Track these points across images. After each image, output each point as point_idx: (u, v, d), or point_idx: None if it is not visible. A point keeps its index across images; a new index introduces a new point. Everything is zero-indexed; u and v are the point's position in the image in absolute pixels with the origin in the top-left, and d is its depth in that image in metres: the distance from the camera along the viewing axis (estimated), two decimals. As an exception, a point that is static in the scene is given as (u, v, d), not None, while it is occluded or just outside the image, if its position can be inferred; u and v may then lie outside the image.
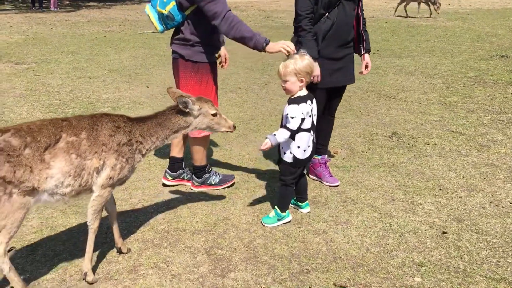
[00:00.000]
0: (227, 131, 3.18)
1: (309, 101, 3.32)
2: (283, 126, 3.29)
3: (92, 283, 2.78)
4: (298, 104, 3.26)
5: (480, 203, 3.77)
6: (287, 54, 3.36)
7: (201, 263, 3.03)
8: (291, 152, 3.36)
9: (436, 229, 3.40)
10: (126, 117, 2.91)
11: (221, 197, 3.93)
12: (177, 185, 4.15)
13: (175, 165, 4.10)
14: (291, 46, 3.38)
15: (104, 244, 3.23)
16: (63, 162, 2.53)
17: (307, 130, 3.33)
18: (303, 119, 3.26)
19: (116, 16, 18.70)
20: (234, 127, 3.19)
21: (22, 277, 2.73)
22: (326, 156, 4.23)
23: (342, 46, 3.80)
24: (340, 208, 3.73)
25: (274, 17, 17.92)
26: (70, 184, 2.59)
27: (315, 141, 3.48)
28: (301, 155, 3.36)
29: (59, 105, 6.51)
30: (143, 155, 2.94)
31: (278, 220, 3.48)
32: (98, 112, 2.90)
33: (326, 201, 3.83)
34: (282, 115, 3.40)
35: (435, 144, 5.04)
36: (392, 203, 3.79)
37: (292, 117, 3.23)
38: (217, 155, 4.86)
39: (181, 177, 4.15)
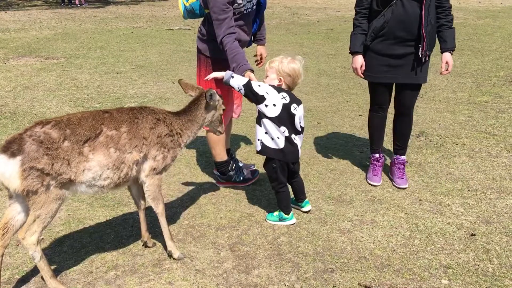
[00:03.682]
0: (219, 133, 3.35)
1: (283, 93, 3.24)
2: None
3: (179, 259, 2.98)
4: (268, 85, 3.25)
5: (510, 206, 3.67)
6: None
7: (225, 259, 3.04)
8: (259, 139, 3.37)
9: (465, 231, 3.33)
10: (164, 110, 2.99)
11: (245, 194, 3.93)
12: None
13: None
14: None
15: (130, 237, 3.27)
16: (102, 156, 2.57)
17: (272, 120, 3.24)
18: (264, 98, 3.17)
19: (144, 12, 18.90)
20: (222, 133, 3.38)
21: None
22: (403, 157, 4.13)
23: (400, 44, 3.71)
24: (365, 207, 3.68)
25: (300, 14, 17.82)
26: (108, 177, 2.63)
27: (298, 144, 3.38)
28: (269, 143, 3.31)
29: (87, 99, 6.62)
30: (181, 148, 3.04)
31: (280, 220, 3.46)
32: (139, 106, 2.95)
33: (351, 200, 3.79)
34: None
35: (464, 145, 4.93)
36: (419, 204, 3.72)
37: (258, 85, 3.19)
38: (242, 151, 4.87)
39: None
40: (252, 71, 3.36)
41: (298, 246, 3.17)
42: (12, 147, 2.35)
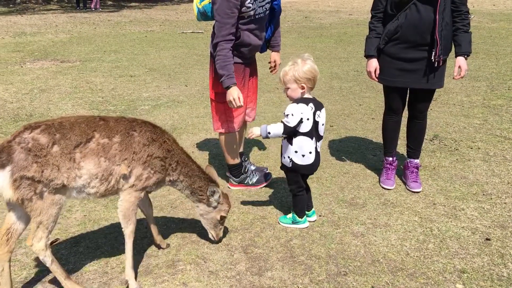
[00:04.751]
0: (212, 238, 3.17)
1: (311, 104, 3.20)
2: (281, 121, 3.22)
3: None
4: (298, 104, 3.21)
5: (526, 210, 3.63)
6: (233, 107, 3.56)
7: (238, 260, 3.05)
8: (289, 157, 3.30)
9: (479, 236, 3.30)
10: (173, 139, 2.91)
11: (258, 196, 3.95)
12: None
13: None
14: (236, 102, 3.50)
15: (144, 238, 3.31)
16: (92, 164, 2.51)
17: (306, 134, 3.21)
18: (301, 120, 3.16)
19: (157, 16, 19.07)
20: (220, 240, 3.22)
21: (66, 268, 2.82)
22: (417, 160, 4.11)
23: (413, 48, 3.69)
24: (378, 210, 3.67)
25: (313, 18, 17.82)
26: (95, 186, 2.57)
27: (319, 150, 3.36)
28: (300, 160, 3.27)
29: (102, 102, 6.70)
30: (171, 183, 2.93)
31: (293, 223, 3.45)
32: (142, 119, 2.86)
33: (364, 203, 3.78)
34: None
35: (479, 148, 4.89)
36: (433, 208, 3.70)
37: (287, 115, 3.17)
38: (254, 154, 4.89)
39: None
40: (235, 84, 3.51)
41: (311, 249, 3.18)
42: (2, 157, 2.33)
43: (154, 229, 3.15)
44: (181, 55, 10.34)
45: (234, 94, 3.50)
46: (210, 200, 3.01)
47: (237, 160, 4.03)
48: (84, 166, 2.49)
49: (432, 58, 3.63)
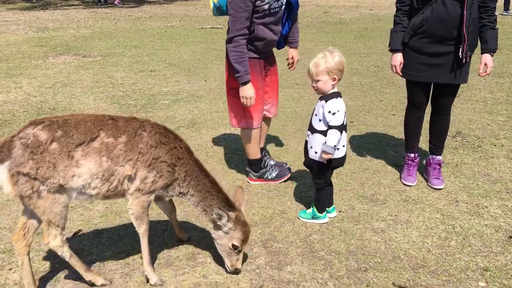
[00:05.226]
0: (228, 268, 2.82)
1: (339, 98, 3.20)
2: (328, 127, 3.15)
3: (156, 286, 2.73)
4: (337, 98, 3.17)
5: (552, 209, 3.56)
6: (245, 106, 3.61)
7: (258, 254, 3.06)
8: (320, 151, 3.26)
9: (503, 233, 3.25)
10: (186, 147, 2.75)
11: (277, 191, 3.95)
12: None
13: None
14: (248, 102, 3.57)
15: (165, 231, 3.34)
16: (93, 163, 2.44)
17: (342, 127, 3.20)
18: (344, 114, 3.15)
19: (177, 11, 19.15)
20: (235, 272, 2.83)
21: (87, 258, 2.87)
22: (439, 157, 4.04)
23: (438, 43, 3.63)
24: (399, 207, 3.64)
25: (332, 13, 17.68)
26: (96, 187, 2.50)
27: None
28: (335, 154, 3.23)
29: (123, 96, 6.76)
30: (179, 194, 2.76)
31: (313, 218, 3.44)
32: (157, 122, 2.76)
33: (385, 200, 3.75)
34: (312, 115, 3.31)
35: (502, 146, 4.80)
36: (456, 205, 3.65)
37: (334, 113, 3.12)
38: (274, 149, 4.88)
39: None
40: (250, 81, 3.52)
41: (331, 244, 3.17)
42: (3, 152, 2.34)
43: (175, 224, 3.16)
44: (200, 50, 10.37)
45: (249, 92, 3.53)
46: (218, 224, 2.73)
47: (258, 155, 4.03)
48: (84, 164, 2.42)
49: (460, 54, 3.57)
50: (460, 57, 3.57)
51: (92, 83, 7.46)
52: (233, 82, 3.68)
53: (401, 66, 3.81)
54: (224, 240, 2.75)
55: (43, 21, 15.41)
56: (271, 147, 4.92)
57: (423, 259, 2.98)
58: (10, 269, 2.86)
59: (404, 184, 4.00)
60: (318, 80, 3.17)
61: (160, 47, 10.77)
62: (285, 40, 4.03)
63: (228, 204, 2.76)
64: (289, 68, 4.20)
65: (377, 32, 12.62)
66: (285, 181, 4.11)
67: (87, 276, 2.67)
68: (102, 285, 2.71)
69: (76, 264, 2.63)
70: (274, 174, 4.09)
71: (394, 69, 3.86)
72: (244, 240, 2.75)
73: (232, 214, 2.70)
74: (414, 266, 2.92)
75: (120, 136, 2.52)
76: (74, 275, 2.82)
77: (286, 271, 2.89)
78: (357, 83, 7.53)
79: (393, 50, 3.84)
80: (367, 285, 2.75)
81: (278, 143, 5.05)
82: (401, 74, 3.85)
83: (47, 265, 2.94)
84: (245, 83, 3.52)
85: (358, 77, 7.91)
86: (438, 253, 3.05)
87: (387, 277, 2.82)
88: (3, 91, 6.85)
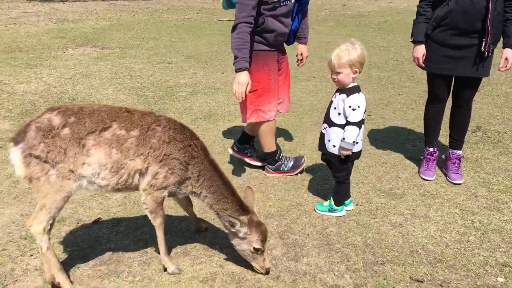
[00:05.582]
0: (257, 270, 2.76)
1: (361, 93, 3.18)
2: (346, 122, 3.14)
3: (173, 274, 2.75)
4: (359, 93, 3.15)
5: None
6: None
7: (274, 246, 3.07)
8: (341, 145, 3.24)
9: (523, 230, 3.20)
10: (202, 146, 2.71)
11: (294, 183, 3.95)
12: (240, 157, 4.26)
13: (243, 139, 4.22)
14: (239, 88, 3.39)
15: (182, 221, 3.36)
16: (103, 154, 2.44)
17: (362, 123, 3.18)
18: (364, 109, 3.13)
19: (194, 4, 19.16)
20: (267, 272, 2.75)
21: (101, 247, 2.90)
22: (459, 151, 4.00)
23: (462, 35, 3.57)
24: (418, 201, 3.61)
25: (351, 6, 17.50)
26: (106, 178, 2.48)
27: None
28: (354, 148, 3.21)
29: (141, 88, 6.81)
30: (192, 192, 2.73)
31: (329, 211, 3.43)
32: (174, 119, 2.71)
33: (403, 194, 3.72)
34: (329, 108, 3.28)
35: (524, 141, 4.72)
36: (475, 200, 3.61)
37: (354, 109, 3.10)
38: (290, 142, 4.87)
39: (244, 151, 4.23)
40: (248, 70, 3.41)
41: (348, 237, 3.16)
42: (19, 135, 2.40)
43: (192, 217, 3.16)
44: (217, 43, 10.37)
45: (242, 78, 3.40)
46: (233, 230, 2.67)
47: (273, 148, 4.03)
48: (93, 154, 2.43)
49: (482, 48, 3.51)
50: (483, 50, 3.51)
51: (110, 75, 7.53)
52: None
53: (424, 58, 3.75)
54: (244, 245, 2.69)
55: (63, 12, 15.56)
56: (288, 141, 4.92)
57: (441, 254, 2.96)
58: (31, 255, 2.92)
59: (422, 178, 3.96)
60: (339, 73, 3.14)
61: (177, 39, 10.80)
62: (295, 36, 3.99)
63: (242, 208, 2.70)
64: (298, 64, 4.18)
65: (396, 26, 12.46)
66: (301, 173, 4.10)
67: (58, 276, 2.57)
68: None
69: (52, 259, 2.54)
70: (290, 165, 4.08)
71: (416, 61, 3.80)
72: (264, 240, 2.67)
73: (244, 219, 2.64)
74: (432, 260, 2.90)
75: (132, 130, 2.50)
76: (94, 262, 2.88)
77: (303, 262, 2.90)
78: (375, 77, 7.46)
79: (415, 42, 3.78)
80: (384, 278, 2.74)
81: (295, 136, 5.04)
82: (423, 66, 3.79)
83: (67, 252, 2.99)
84: (240, 70, 3.40)
85: (377, 71, 7.83)
86: (457, 248, 3.02)
87: (404, 270, 2.81)
88: (24, 82, 6.96)
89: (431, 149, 4.05)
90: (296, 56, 4.15)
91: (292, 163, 4.09)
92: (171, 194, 2.74)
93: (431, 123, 4.04)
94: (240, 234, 2.65)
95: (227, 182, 2.73)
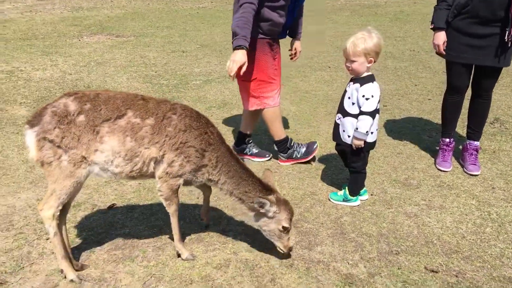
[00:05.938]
0: (282, 251, 2.76)
1: (375, 82, 3.14)
2: (360, 112, 3.11)
3: (187, 260, 2.76)
4: (373, 82, 3.10)
5: None
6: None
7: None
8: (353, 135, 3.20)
9: (542, 223, 3.15)
10: (218, 134, 2.70)
11: (308, 172, 3.93)
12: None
13: (239, 140, 4.20)
14: (234, 67, 3.27)
15: (196, 208, 3.37)
16: (116, 141, 2.43)
17: (376, 112, 3.14)
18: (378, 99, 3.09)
19: (208, -7, 19.07)
20: (290, 250, 2.76)
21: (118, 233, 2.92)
22: (477, 142, 3.94)
23: (482, 24, 3.51)
24: (433, 192, 3.56)
25: (366, -4, 17.27)
26: (119, 166, 2.48)
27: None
28: (369, 138, 3.18)
29: (155, 76, 6.82)
30: (208, 180, 2.70)
31: (344, 200, 3.40)
32: (189, 106, 2.69)
33: (418, 184, 3.68)
34: (343, 98, 3.25)
35: (543, 133, 4.63)
36: (492, 191, 3.55)
37: (367, 98, 3.06)
38: (305, 131, 4.85)
39: (244, 151, 4.18)
40: (247, 49, 3.30)
41: (362, 227, 3.14)
42: (35, 118, 2.40)
43: (205, 204, 3.08)
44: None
45: (239, 56, 3.29)
46: (262, 211, 2.65)
47: (283, 135, 4.01)
48: (107, 141, 2.42)
49: (506, 38, 3.43)
50: (506, 40, 3.44)
51: (125, 63, 7.55)
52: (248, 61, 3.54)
53: (445, 45, 3.68)
54: (272, 225, 2.66)
55: (78, 1, 15.60)
56: (302, 130, 4.89)
57: (457, 245, 2.93)
58: (47, 239, 2.95)
59: (438, 169, 3.91)
60: (353, 61, 3.10)
61: (192, 28, 10.78)
62: (287, 31, 3.99)
63: (264, 188, 2.68)
64: (291, 59, 4.18)
65: (413, 16, 12.28)
66: (315, 162, 4.08)
67: (61, 263, 2.57)
68: (71, 280, 2.58)
69: (57, 246, 2.54)
70: (303, 150, 4.05)
71: (436, 48, 3.73)
72: (291, 218, 2.68)
73: (273, 197, 2.63)
74: (447, 251, 2.87)
75: (147, 118, 2.48)
76: (109, 247, 2.90)
77: (316, 251, 2.89)
78: (391, 67, 7.37)
79: (436, 28, 3.70)
80: (398, 268, 2.72)
81: (310, 126, 5.01)
82: (443, 53, 3.72)
83: (82, 236, 3.02)
84: (239, 47, 3.30)
85: (393, 61, 7.74)
86: (473, 239, 2.98)
87: (419, 261, 2.78)
88: (40, 69, 7.01)
89: (447, 140, 3.99)
90: (290, 50, 4.15)
91: (304, 149, 4.07)
92: (187, 183, 2.73)
93: (449, 114, 3.97)
94: (270, 214, 2.63)
95: (244, 166, 2.73)
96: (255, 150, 4.18)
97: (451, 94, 3.90)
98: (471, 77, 3.82)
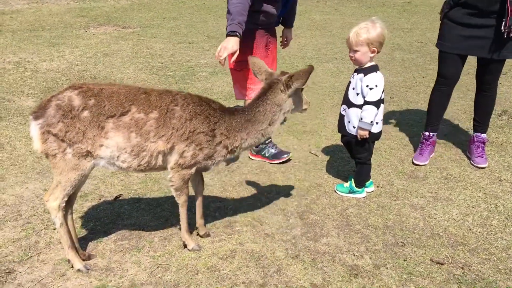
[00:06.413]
0: (301, 112, 2.85)
1: (378, 72, 3.12)
2: (364, 102, 3.10)
3: (193, 251, 2.78)
4: (376, 72, 3.09)
5: None
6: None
7: (294, 225, 3.07)
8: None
9: (549, 216, 3.13)
10: (219, 106, 2.67)
11: (314, 164, 3.93)
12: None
13: None
14: (220, 54, 3.15)
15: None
16: (121, 138, 2.43)
17: (381, 101, 3.13)
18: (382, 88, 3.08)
19: (215, -16, 19.00)
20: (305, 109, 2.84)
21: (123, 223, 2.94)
22: (484, 135, 3.91)
23: (478, 16, 3.47)
24: (440, 184, 3.55)
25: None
26: (126, 161, 2.49)
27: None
28: (374, 128, 3.17)
29: (161, 67, 6.82)
30: (229, 151, 2.68)
31: (350, 192, 3.40)
32: (189, 93, 2.66)
33: (425, 177, 3.67)
34: (347, 89, 3.23)
35: (552, 126, 4.59)
36: (499, 184, 3.54)
37: (371, 88, 3.05)
38: (312, 123, 4.83)
39: (262, 153, 4.02)
40: (240, 37, 3.15)
41: (368, 219, 3.14)
42: (39, 110, 2.40)
43: (198, 209, 2.95)
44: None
45: (230, 43, 3.13)
46: (292, 89, 2.62)
47: None
48: (112, 137, 2.42)
49: (502, 28, 3.39)
50: (502, 31, 3.40)
51: (131, 54, 7.55)
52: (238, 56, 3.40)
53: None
54: (296, 97, 2.70)
55: (85, -8, 15.60)
56: (309, 121, 4.88)
57: (463, 237, 2.92)
58: (54, 229, 2.98)
59: (414, 163, 3.88)
60: (356, 51, 3.09)
61: (198, 19, 10.75)
62: (280, 20, 3.94)
63: (268, 85, 2.66)
64: (282, 47, 4.13)
65: (421, 7, 12.17)
66: (321, 155, 4.07)
67: (68, 253, 2.60)
68: (78, 270, 2.61)
69: (64, 236, 2.56)
70: (272, 151, 3.96)
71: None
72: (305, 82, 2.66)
73: (281, 77, 2.63)
74: (453, 243, 2.86)
75: (151, 112, 2.46)
76: (116, 237, 2.92)
77: (322, 242, 2.89)
78: (399, 59, 7.32)
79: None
80: (404, 260, 2.72)
81: (316, 117, 5.00)
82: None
83: (89, 226, 3.04)
84: (232, 33, 3.14)
85: (400, 53, 7.68)
86: (479, 232, 2.97)
87: (425, 253, 2.78)
88: (47, 59, 7.03)
89: (427, 134, 3.95)
90: (281, 37, 4.07)
91: (274, 151, 3.97)
92: (204, 169, 2.73)
93: (434, 106, 3.92)
94: (298, 84, 2.61)
95: (243, 109, 2.71)
96: (273, 151, 4.00)
97: (440, 84, 3.84)
98: (475, 71, 3.78)
